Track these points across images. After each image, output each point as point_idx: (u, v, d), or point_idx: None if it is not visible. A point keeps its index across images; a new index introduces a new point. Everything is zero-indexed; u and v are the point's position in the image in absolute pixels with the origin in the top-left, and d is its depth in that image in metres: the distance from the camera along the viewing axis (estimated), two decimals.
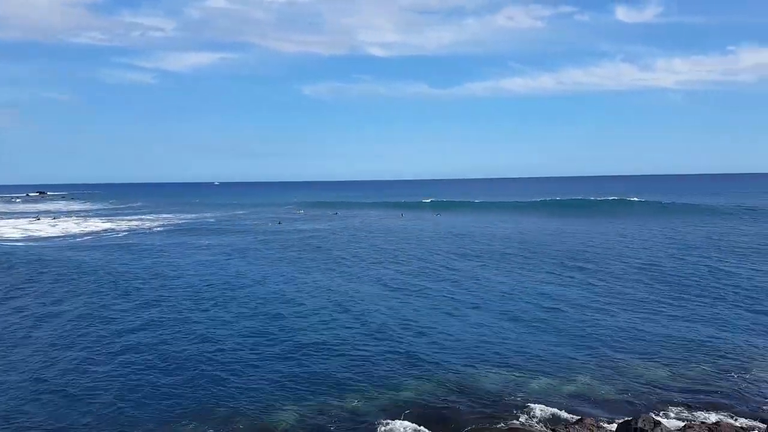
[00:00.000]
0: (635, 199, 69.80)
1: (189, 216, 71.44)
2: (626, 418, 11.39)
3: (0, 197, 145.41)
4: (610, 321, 18.58)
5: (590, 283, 24.34)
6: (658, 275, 25.65)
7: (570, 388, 13.33)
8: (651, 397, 12.78)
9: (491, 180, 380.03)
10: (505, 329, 17.87)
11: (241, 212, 76.36)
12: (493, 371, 14.31)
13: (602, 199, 70.72)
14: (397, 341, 16.73)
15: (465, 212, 71.15)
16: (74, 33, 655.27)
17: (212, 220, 64.30)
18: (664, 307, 20.13)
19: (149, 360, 15.48)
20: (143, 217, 72.00)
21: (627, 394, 12.96)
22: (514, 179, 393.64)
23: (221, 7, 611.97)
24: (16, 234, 50.96)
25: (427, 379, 13.81)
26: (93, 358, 15.65)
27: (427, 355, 15.55)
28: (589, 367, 14.58)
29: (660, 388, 13.21)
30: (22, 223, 63.83)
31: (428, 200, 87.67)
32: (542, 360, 15.11)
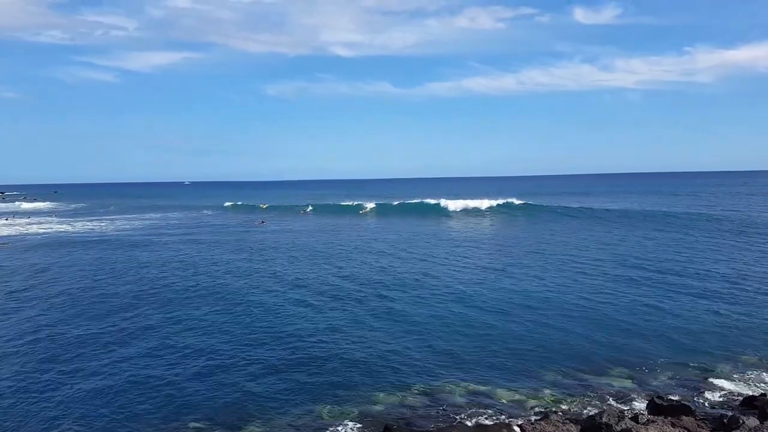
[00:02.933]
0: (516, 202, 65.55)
1: (155, 215, 70.14)
2: (589, 412, 11.55)
3: None
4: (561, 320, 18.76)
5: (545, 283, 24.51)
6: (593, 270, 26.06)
7: (535, 385, 13.38)
8: (617, 393, 12.93)
9: (453, 179, 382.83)
10: (457, 335, 17.83)
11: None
12: (452, 377, 14.23)
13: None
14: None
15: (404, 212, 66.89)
16: (35, 32, 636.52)
17: (175, 221, 63.12)
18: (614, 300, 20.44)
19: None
20: (105, 217, 70.29)
21: (592, 390, 13.07)
22: (476, 178, 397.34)
23: (185, 7, 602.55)
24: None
25: (390, 387, 13.66)
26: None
27: (381, 364, 15.37)
28: (553, 366, 14.64)
29: (626, 384, 13.39)
30: None
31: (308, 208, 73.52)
32: (502, 361, 15.11)
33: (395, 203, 73.26)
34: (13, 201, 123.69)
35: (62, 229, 53.80)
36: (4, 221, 65.56)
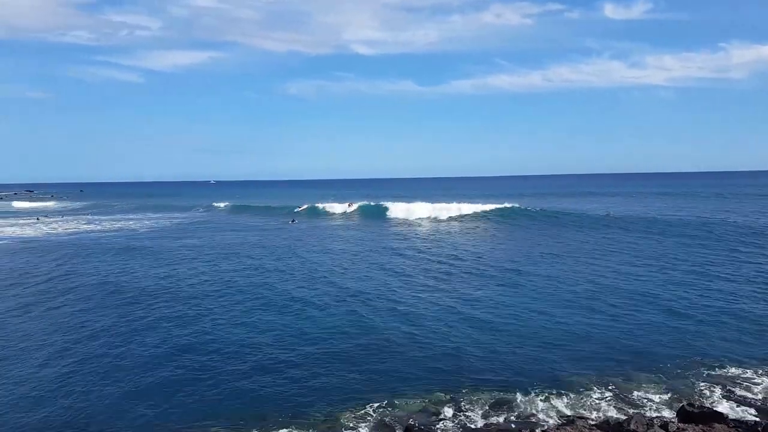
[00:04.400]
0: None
1: (180, 215, 71.08)
2: (617, 418, 11.22)
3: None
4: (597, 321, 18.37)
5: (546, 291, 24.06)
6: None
7: (560, 390, 13.08)
8: (646, 399, 12.57)
9: (476, 178, 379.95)
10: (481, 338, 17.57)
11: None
12: (480, 380, 13.98)
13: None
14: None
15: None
16: (61, 32, 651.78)
17: (200, 220, 63.83)
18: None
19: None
20: (132, 216, 71.36)
21: (620, 396, 12.73)
22: (497, 177, 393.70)
23: (207, 6, 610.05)
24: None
25: (412, 390, 13.47)
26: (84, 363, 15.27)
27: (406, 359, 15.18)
28: (578, 371, 14.33)
29: (655, 390, 13.03)
30: (24, 223, 63.11)
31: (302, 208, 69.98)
32: (526, 366, 14.84)
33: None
34: (46, 200, 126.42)
35: (90, 229, 54.73)
36: (34, 220, 67.00)
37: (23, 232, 51.81)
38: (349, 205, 67.75)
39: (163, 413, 12.14)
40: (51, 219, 69.28)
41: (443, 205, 59.73)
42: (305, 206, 70.01)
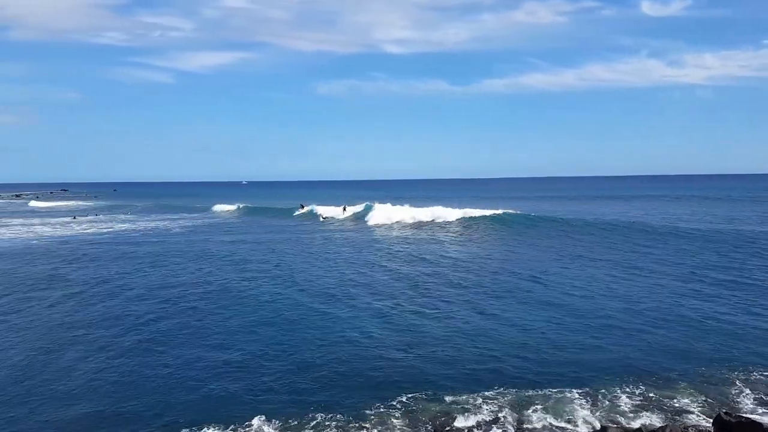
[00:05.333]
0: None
1: (213, 216, 72.11)
2: (651, 425, 11.02)
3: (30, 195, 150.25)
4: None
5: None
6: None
7: (590, 397, 12.88)
8: (680, 406, 12.30)
9: (507, 180, 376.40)
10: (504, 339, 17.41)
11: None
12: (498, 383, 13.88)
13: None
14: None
15: None
16: (96, 34, 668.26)
17: (233, 220, 64.65)
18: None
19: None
20: (165, 216, 72.68)
21: (653, 403, 12.48)
22: (527, 179, 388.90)
23: (238, 7, 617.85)
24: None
25: (435, 395, 13.42)
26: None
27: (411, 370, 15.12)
28: (609, 377, 14.08)
29: (690, 397, 12.72)
30: (61, 222, 64.83)
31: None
32: (556, 370, 14.64)
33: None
34: (80, 199, 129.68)
35: (125, 228, 55.95)
36: (71, 219, 68.71)
37: (56, 231, 53.16)
38: (343, 210, 63.72)
39: (202, 402, 12.39)
40: (86, 218, 70.98)
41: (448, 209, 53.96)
42: (306, 208, 68.48)
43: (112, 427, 11.69)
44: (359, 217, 58.53)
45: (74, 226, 59.13)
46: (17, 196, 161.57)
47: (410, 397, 12.81)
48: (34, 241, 44.10)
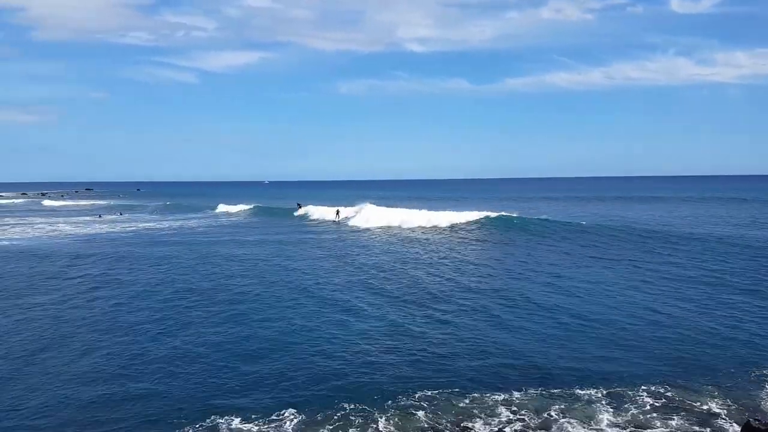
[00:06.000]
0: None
1: (232, 217, 72.73)
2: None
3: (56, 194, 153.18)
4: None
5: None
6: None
7: (615, 403, 12.73)
8: (706, 412, 12.09)
9: (529, 180, 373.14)
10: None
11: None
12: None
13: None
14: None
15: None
16: (121, 33, 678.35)
17: (256, 220, 65.04)
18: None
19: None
20: (190, 215, 73.46)
21: (678, 409, 12.29)
22: (551, 179, 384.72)
23: (260, 6, 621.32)
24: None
25: (469, 396, 13.37)
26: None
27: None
28: (635, 383, 13.88)
29: (717, 403, 12.50)
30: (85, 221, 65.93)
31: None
32: (583, 374, 14.48)
33: None
34: (105, 198, 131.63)
35: (149, 227, 56.67)
36: (98, 218, 69.86)
37: (81, 230, 54.04)
38: (337, 214, 59.45)
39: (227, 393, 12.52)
40: (111, 217, 72.02)
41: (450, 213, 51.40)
42: (303, 210, 67.56)
43: (157, 411, 12.13)
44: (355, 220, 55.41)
45: (98, 225, 60.09)
46: (43, 194, 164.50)
47: (431, 395, 12.82)
48: (61, 239, 44.90)
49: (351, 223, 54.14)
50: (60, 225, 59.43)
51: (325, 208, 65.80)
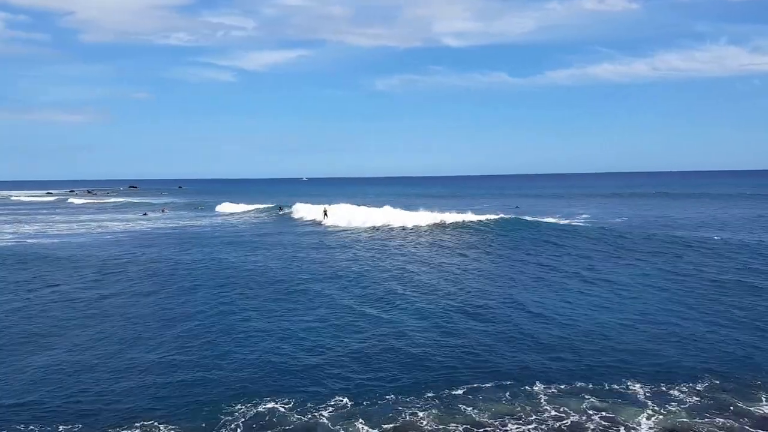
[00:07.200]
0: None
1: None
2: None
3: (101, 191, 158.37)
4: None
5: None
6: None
7: (664, 405, 12.46)
8: (763, 417, 11.74)
9: (568, 175, 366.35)
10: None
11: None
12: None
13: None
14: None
15: None
16: (164, 35, 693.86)
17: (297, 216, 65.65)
18: None
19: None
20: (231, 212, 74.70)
21: (733, 413, 11.95)
22: (589, 174, 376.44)
23: (298, 5, 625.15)
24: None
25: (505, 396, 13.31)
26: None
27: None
28: (685, 384, 13.56)
29: (758, 403, 12.11)
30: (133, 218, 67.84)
31: None
32: (629, 373, 14.21)
33: None
34: (151, 196, 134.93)
35: (193, 224, 57.89)
36: (141, 215, 71.78)
37: (128, 227, 55.60)
38: (324, 214, 53.88)
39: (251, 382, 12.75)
40: (156, 214, 73.85)
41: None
42: (289, 209, 65.08)
43: (204, 395, 12.45)
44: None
45: (143, 222, 61.79)
46: (90, 192, 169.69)
47: (474, 388, 12.90)
48: (108, 236, 46.30)
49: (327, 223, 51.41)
50: (105, 222, 61.24)
51: (308, 206, 61.78)
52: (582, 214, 57.33)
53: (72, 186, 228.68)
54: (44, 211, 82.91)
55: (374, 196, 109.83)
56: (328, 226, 48.97)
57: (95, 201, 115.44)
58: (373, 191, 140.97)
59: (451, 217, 44.19)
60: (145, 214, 74.04)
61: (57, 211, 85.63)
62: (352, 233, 43.40)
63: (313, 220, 54.40)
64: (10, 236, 46.17)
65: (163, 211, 79.76)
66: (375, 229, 45.16)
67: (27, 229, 52.98)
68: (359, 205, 56.18)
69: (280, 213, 64.73)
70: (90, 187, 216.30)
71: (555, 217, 50.41)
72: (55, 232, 49.59)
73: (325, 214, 53.43)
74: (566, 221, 47.39)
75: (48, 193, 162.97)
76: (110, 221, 62.10)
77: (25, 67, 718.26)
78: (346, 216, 50.71)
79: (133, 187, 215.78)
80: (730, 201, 77.20)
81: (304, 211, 59.96)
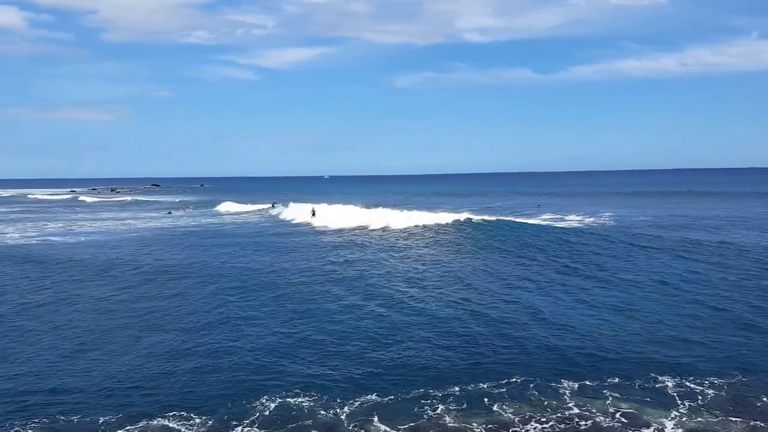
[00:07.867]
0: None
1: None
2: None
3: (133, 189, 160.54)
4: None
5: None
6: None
7: (693, 405, 12.28)
8: None
9: (592, 173, 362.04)
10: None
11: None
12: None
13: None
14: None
15: None
16: (185, 33, 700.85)
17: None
18: None
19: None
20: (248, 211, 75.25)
21: (763, 414, 11.73)
22: (613, 172, 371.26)
23: (319, 2, 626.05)
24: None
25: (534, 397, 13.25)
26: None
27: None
28: (716, 381, 13.34)
29: None
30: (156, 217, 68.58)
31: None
32: (658, 371, 14.04)
33: None
34: (174, 194, 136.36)
35: (215, 221, 58.46)
36: (166, 213, 72.64)
37: (152, 224, 56.31)
38: (313, 214, 53.24)
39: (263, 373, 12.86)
40: (179, 213, 74.65)
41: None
42: (278, 206, 65.23)
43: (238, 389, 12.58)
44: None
45: (166, 219, 62.56)
46: (113, 190, 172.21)
47: (497, 384, 12.92)
48: (133, 233, 46.98)
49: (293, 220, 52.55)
50: (129, 221, 62.11)
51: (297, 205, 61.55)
52: (605, 212, 56.65)
53: (94, 184, 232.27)
54: (66, 211, 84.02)
55: (407, 195, 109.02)
56: (315, 226, 48.64)
57: (118, 199, 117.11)
58: (395, 189, 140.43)
59: (448, 217, 43.64)
60: (169, 212, 74.87)
61: (77, 209, 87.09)
62: (339, 233, 43.13)
63: (301, 222, 53.10)
64: (34, 234, 47.03)
65: (185, 209, 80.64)
66: (362, 228, 44.53)
67: (50, 227, 53.87)
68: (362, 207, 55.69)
69: (273, 213, 64.22)
70: (113, 185, 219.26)
71: (578, 215, 49.99)
72: (78, 230, 50.43)
73: (313, 214, 53.31)
74: (590, 219, 47.04)
75: (71, 191, 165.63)
76: (132, 219, 63.01)
77: (48, 65, 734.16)
78: (334, 216, 50.81)
79: (155, 185, 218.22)
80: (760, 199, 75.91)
81: (296, 210, 59.16)
